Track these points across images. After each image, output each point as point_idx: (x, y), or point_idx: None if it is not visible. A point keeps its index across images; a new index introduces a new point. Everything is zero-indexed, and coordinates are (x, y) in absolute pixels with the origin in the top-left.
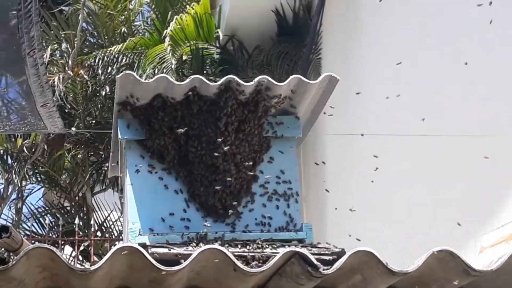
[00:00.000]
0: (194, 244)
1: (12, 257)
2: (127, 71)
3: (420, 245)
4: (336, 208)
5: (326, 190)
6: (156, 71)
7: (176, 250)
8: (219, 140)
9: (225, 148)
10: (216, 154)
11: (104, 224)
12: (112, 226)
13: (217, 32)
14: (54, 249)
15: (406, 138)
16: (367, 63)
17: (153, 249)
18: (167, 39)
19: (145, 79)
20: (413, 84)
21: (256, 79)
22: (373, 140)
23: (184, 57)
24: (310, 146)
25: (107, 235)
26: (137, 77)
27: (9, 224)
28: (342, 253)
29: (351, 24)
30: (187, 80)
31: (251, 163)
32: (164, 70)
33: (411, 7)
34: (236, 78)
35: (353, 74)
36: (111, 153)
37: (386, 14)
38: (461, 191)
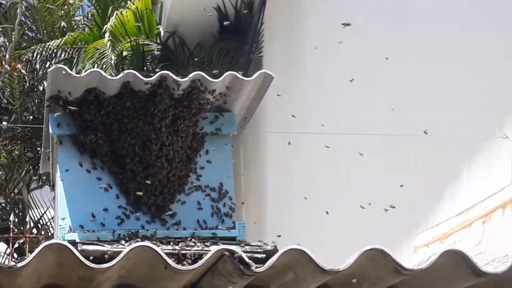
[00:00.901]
0: (125, 242)
1: None
2: (59, 65)
3: (356, 244)
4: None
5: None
6: (95, 67)
7: (106, 248)
8: (152, 136)
9: (158, 145)
10: (148, 150)
11: (40, 221)
12: (48, 224)
13: (158, 28)
14: None
15: (346, 136)
16: (309, 60)
17: (83, 246)
18: (107, 35)
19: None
20: (354, 82)
21: (191, 75)
22: (314, 138)
23: (125, 53)
24: (250, 144)
25: (42, 233)
26: (69, 71)
27: None
28: (274, 251)
29: (293, 22)
30: (120, 74)
31: (184, 159)
32: (104, 66)
33: (355, 2)
34: (171, 74)
35: (295, 72)
36: (42, 149)
37: (329, 11)
38: (396, 191)
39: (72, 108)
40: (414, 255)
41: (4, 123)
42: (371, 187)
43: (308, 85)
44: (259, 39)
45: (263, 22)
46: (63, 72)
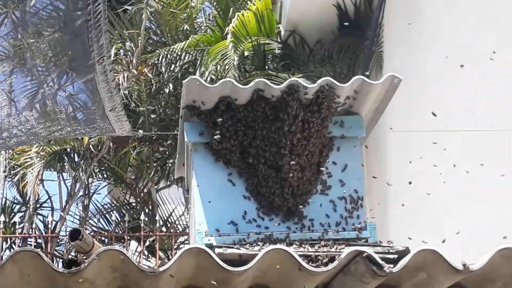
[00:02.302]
0: (260, 245)
1: (84, 258)
2: (193, 76)
3: (487, 241)
4: (403, 205)
5: (388, 183)
6: (218, 68)
7: (242, 251)
8: (283, 141)
9: (288, 149)
10: (279, 155)
11: (169, 219)
12: (177, 221)
13: (278, 27)
14: (125, 251)
15: (474, 133)
16: (430, 55)
17: (220, 250)
18: (229, 36)
19: (207, 76)
20: (479, 76)
21: (319, 81)
22: (438, 136)
23: (246, 53)
24: (372, 142)
25: (172, 230)
26: (203, 81)
27: (74, 225)
28: (406, 251)
29: (413, 16)
30: (251, 83)
31: (314, 163)
32: (226, 67)
33: None
34: (300, 80)
35: (416, 67)
36: (177, 155)
37: (448, 4)
38: None
39: (216, 137)
40: None
41: (140, 131)
42: (497, 185)
43: (430, 80)
44: (379, 33)
45: (383, 16)
46: (197, 82)
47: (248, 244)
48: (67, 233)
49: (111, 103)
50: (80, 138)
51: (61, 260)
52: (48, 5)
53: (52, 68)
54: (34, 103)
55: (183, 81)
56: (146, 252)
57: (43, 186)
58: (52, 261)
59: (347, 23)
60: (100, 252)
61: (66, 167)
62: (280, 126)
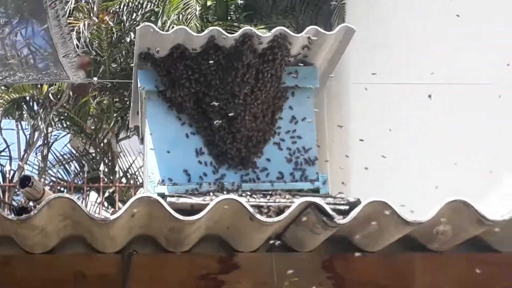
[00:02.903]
0: (212, 194)
1: (34, 206)
2: (146, 23)
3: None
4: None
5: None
6: (180, 18)
7: (194, 200)
8: (236, 90)
9: (242, 99)
10: (233, 104)
11: (129, 170)
12: (137, 173)
13: None
14: (75, 198)
15: (433, 88)
16: (393, 9)
17: (172, 199)
18: None
19: (169, 25)
20: (444, 31)
21: (273, 30)
22: (399, 89)
23: (209, 3)
24: (334, 96)
25: (131, 182)
26: (157, 29)
27: (31, 174)
28: (357, 203)
29: None
30: (205, 31)
31: (268, 113)
32: (189, 16)
33: None
34: (254, 30)
35: (378, 21)
36: (131, 103)
37: None
38: (487, 144)
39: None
40: (501, 204)
41: (95, 79)
42: (459, 140)
43: (393, 33)
44: None
45: None
46: (151, 30)
47: (200, 194)
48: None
49: (65, 49)
50: (39, 86)
51: (11, 208)
52: None
53: (11, 12)
54: None
55: (136, 28)
56: (105, 203)
57: (1, 135)
58: (9, 208)
59: None
60: (50, 199)
61: (25, 115)
62: (233, 75)
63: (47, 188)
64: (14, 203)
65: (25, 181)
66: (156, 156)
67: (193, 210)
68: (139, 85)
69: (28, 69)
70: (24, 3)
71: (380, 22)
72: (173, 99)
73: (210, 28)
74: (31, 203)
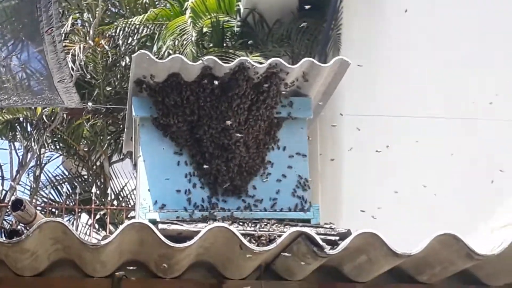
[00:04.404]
0: (203, 222)
1: (26, 229)
2: (142, 51)
3: (432, 226)
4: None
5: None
6: (176, 43)
7: (185, 227)
8: (231, 120)
9: (235, 128)
10: (226, 133)
11: (121, 193)
12: (129, 196)
13: (238, 5)
14: (66, 223)
15: (424, 120)
16: (387, 41)
17: (163, 226)
18: (188, 11)
19: (165, 51)
20: (435, 65)
21: (268, 61)
22: (391, 121)
23: (205, 30)
24: (327, 125)
25: (123, 204)
26: (152, 56)
27: (23, 198)
28: (347, 234)
29: (372, 1)
30: (200, 61)
31: (261, 143)
32: (184, 42)
33: None
34: (249, 60)
35: (373, 53)
36: (125, 129)
37: None
38: (476, 175)
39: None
40: (491, 237)
41: (90, 104)
42: (448, 170)
43: (386, 64)
44: (338, 16)
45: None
46: (147, 57)
47: (192, 221)
48: (9, 203)
49: (60, 74)
50: (33, 108)
51: (2, 230)
52: None
53: (8, 36)
54: None
55: (132, 55)
56: (96, 226)
57: None
58: (0, 231)
59: (307, 6)
60: (41, 223)
61: (18, 136)
62: (228, 104)
63: (38, 209)
64: (5, 223)
65: (17, 204)
66: (148, 183)
67: (184, 236)
68: (133, 112)
69: (23, 93)
70: (20, 26)
71: (376, 52)
72: (167, 126)
73: (206, 57)
74: (20, 225)
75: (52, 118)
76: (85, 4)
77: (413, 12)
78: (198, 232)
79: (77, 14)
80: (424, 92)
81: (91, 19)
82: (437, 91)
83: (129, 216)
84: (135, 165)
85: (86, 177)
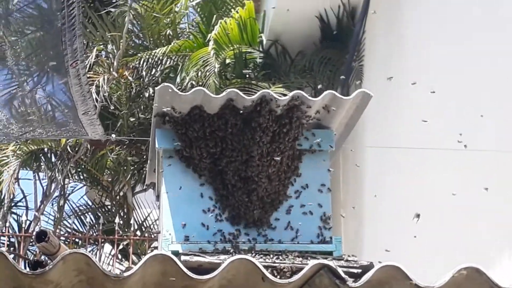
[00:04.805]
0: (225, 254)
1: (50, 260)
2: (165, 84)
3: (456, 258)
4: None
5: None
6: (199, 74)
7: (208, 259)
8: (253, 152)
9: (258, 161)
10: (249, 166)
11: (144, 223)
12: (152, 226)
13: (261, 36)
14: (90, 254)
15: (443, 152)
16: (408, 73)
17: (186, 257)
18: (211, 43)
19: (188, 82)
20: (455, 96)
21: (291, 94)
22: (412, 153)
23: (228, 61)
24: (350, 157)
25: (146, 235)
26: (175, 89)
27: (47, 229)
28: (370, 266)
29: (394, 32)
30: (223, 93)
31: (283, 175)
32: (207, 73)
33: (455, 17)
34: (271, 92)
35: (395, 84)
36: (149, 160)
37: (429, 24)
38: (497, 205)
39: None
40: None
41: (113, 135)
42: (472, 203)
43: (409, 95)
44: (360, 48)
45: (365, 31)
46: (169, 90)
47: (214, 253)
48: (34, 234)
49: (84, 107)
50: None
51: (26, 261)
52: (30, 3)
53: (33, 68)
54: (12, 102)
55: (156, 88)
56: (119, 256)
57: (19, 185)
58: (24, 261)
59: (331, 35)
60: (65, 255)
61: (43, 166)
62: (250, 136)
63: (62, 239)
64: (28, 253)
65: (41, 236)
66: (171, 214)
67: (206, 268)
68: (156, 145)
69: (48, 125)
70: (45, 58)
71: (399, 88)
72: (190, 158)
73: (229, 90)
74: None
75: (76, 149)
76: (109, 36)
77: (433, 42)
78: (220, 264)
79: (101, 46)
80: (446, 124)
81: (115, 51)
82: (453, 123)
83: (152, 246)
84: (158, 197)
85: (109, 207)
